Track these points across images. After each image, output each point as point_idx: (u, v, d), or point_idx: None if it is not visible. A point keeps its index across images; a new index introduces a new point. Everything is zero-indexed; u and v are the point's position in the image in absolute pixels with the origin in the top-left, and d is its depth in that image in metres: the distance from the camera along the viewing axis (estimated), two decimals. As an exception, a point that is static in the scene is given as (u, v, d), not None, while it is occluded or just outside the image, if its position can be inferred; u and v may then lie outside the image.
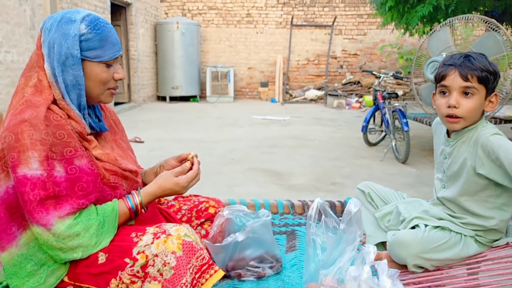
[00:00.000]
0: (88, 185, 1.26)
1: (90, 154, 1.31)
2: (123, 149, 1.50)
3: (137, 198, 1.37)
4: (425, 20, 6.04)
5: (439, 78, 1.61)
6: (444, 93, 1.61)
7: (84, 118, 1.34)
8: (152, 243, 1.24)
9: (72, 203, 1.22)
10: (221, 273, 1.31)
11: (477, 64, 1.53)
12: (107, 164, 1.34)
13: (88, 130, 1.34)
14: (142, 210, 1.40)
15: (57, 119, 1.24)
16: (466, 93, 1.56)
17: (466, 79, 1.54)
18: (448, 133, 1.70)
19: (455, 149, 1.65)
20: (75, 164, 1.25)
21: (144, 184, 1.56)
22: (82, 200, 1.24)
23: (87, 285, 1.25)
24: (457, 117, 1.58)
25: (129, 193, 1.41)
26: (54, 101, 1.29)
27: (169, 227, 1.30)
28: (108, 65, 1.33)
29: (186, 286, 1.21)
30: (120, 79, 1.38)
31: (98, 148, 1.34)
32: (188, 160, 1.48)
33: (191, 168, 1.46)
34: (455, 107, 1.56)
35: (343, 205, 2.22)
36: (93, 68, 1.30)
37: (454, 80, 1.56)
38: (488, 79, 1.54)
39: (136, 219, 1.45)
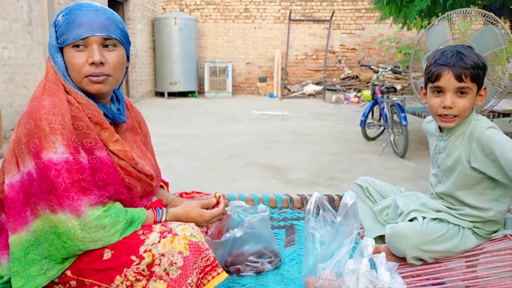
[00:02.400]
0: (108, 176, 1.25)
1: (107, 148, 1.30)
2: (142, 150, 1.48)
3: (165, 216, 1.38)
4: (423, 14, 6.03)
5: (433, 78, 1.60)
6: (438, 92, 1.60)
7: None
8: (159, 242, 1.23)
9: (96, 191, 1.22)
10: (224, 276, 1.30)
11: (469, 62, 1.53)
12: (123, 162, 1.32)
13: (106, 120, 1.33)
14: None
15: (74, 110, 1.25)
16: (461, 93, 1.56)
17: (460, 80, 1.54)
18: (440, 128, 1.71)
19: (449, 143, 1.66)
20: (96, 154, 1.25)
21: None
22: (101, 191, 1.23)
23: (91, 280, 1.24)
24: (452, 116, 1.58)
25: (143, 196, 1.42)
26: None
27: (175, 226, 1.28)
28: (78, 48, 1.26)
29: (192, 286, 1.20)
30: (93, 63, 1.26)
31: (118, 144, 1.33)
32: (215, 197, 1.51)
33: (216, 205, 1.48)
34: (450, 107, 1.57)
35: (341, 199, 2.22)
36: (67, 54, 1.29)
37: (448, 81, 1.56)
38: (480, 75, 1.55)
39: None
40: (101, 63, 1.28)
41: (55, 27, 1.29)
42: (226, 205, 1.53)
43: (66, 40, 1.26)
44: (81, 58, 1.27)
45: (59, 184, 1.16)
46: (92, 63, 1.27)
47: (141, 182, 1.39)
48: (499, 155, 1.47)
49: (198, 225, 1.42)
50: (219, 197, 1.50)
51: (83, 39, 1.26)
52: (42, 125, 1.18)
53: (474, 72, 1.53)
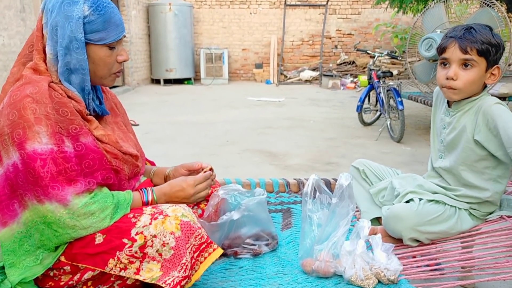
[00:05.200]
0: (94, 163, 1.25)
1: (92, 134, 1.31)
2: (124, 131, 1.49)
3: (151, 193, 1.40)
4: (419, -3, 5.99)
5: (440, 50, 1.62)
6: (444, 64, 1.61)
7: (89, 103, 1.33)
8: (150, 223, 1.24)
9: (82, 180, 1.22)
10: (219, 251, 1.31)
11: (478, 37, 1.53)
12: (108, 146, 1.33)
13: (87, 111, 1.33)
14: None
15: (58, 96, 1.23)
16: (465, 65, 1.56)
17: (465, 51, 1.54)
18: (449, 103, 1.71)
19: (455, 119, 1.66)
20: (81, 141, 1.24)
21: (153, 182, 1.63)
22: (88, 178, 1.24)
23: (84, 265, 1.25)
24: (455, 88, 1.58)
25: (131, 178, 1.42)
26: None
27: (166, 207, 1.30)
28: (111, 47, 1.31)
29: (187, 266, 1.22)
30: (124, 61, 1.36)
31: (99, 129, 1.33)
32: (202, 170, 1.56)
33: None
34: (452, 79, 1.57)
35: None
36: (96, 51, 1.29)
37: (453, 52, 1.56)
38: (489, 52, 1.54)
39: None
40: None
41: (83, 21, 1.24)
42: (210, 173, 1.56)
43: (104, 39, 1.27)
44: (112, 56, 1.32)
45: (44, 175, 1.16)
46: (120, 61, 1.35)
47: (128, 163, 1.39)
48: (502, 130, 1.48)
49: (186, 193, 1.43)
50: (202, 168, 1.55)
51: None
52: (26, 114, 1.17)
53: (482, 47, 1.53)
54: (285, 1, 12.08)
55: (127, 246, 1.23)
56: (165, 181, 1.59)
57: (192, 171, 1.58)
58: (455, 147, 1.66)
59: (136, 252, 1.23)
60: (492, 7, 3.86)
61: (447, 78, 1.58)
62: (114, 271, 1.24)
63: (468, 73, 1.56)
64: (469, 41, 1.54)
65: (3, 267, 1.27)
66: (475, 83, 1.58)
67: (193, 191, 1.44)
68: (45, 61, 1.28)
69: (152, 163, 1.72)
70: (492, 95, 1.53)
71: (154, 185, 1.60)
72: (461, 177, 1.65)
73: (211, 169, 1.56)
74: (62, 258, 1.26)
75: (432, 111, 1.83)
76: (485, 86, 1.63)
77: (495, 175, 1.62)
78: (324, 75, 11.24)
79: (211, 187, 1.60)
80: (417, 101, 5.39)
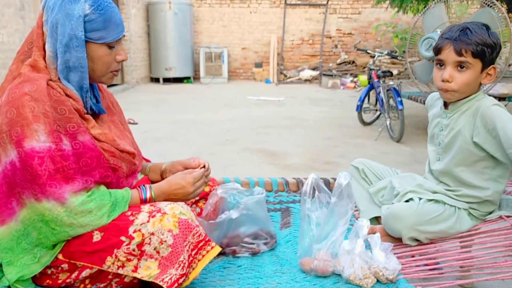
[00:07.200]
0: (92, 161, 1.25)
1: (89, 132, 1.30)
2: (121, 130, 1.48)
3: (149, 191, 1.39)
4: (420, -3, 5.99)
5: (436, 51, 1.62)
6: (440, 65, 1.61)
7: (86, 102, 1.33)
8: (148, 221, 1.24)
9: (80, 178, 1.22)
10: (217, 249, 1.31)
11: (473, 38, 1.52)
12: (105, 145, 1.33)
13: (85, 110, 1.33)
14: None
15: (56, 94, 1.23)
16: (460, 67, 1.56)
17: (460, 54, 1.54)
18: (446, 105, 1.71)
19: (452, 120, 1.66)
20: (79, 139, 1.24)
21: (149, 179, 1.62)
22: (86, 176, 1.23)
23: (82, 263, 1.25)
24: (451, 90, 1.58)
25: (128, 176, 1.42)
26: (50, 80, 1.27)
27: (164, 205, 1.30)
28: (111, 46, 1.31)
29: (184, 263, 1.22)
30: (123, 61, 1.36)
31: (96, 128, 1.33)
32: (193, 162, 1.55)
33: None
34: (448, 81, 1.57)
35: (337, 181, 2.23)
36: (95, 50, 1.29)
37: (448, 54, 1.56)
38: (484, 53, 1.53)
39: None
40: None
41: (83, 20, 1.24)
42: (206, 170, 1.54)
43: (103, 38, 1.28)
44: (111, 55, 1.32)
45: (42, 173, 1.16)
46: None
47: (125, 161, 1.39)
48: (501, 132, 1.48)
49: (185, 190, 1.41)
50: (199, 165, 1.54)
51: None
52: (25, 112, 1.17)
53: (477, 49, 1.52)
54: (285, 0, 12.07)
55: (124, 243, 1.23)
56: (161, 177, 1.59)
57: (189, 169, 1.57)
58: (453, 149, 1.66)
59: (133, 250, 1.23)
60: (493, 7, 3.85)
61: (443, 80, 1.58)
62: (112, 269, 1.24)
63: (463, 75, 1.56)
64: (464, 43, 1.53)
65: (0, 265, 1.27)
66: (470, 84, 1.58)
67: (192, 189, 1.43)
68: (44, 58, 1.28)
69: (148, 161, 1.72)
70: (492, 96, 1.55)
71: (151, 182, 1.61)
72: (460, 178, 1.65)
73: (204, 166, 1.54)
74: (60, 256, 1.26)
75: (429, 117, 1.83)
76: (479, 85, 1.63)
77: (495, 175, 1.62)
78: (324, 74, 11.23)
79: (207, 184, 1.59)
80: (417, 101, 5.39)
